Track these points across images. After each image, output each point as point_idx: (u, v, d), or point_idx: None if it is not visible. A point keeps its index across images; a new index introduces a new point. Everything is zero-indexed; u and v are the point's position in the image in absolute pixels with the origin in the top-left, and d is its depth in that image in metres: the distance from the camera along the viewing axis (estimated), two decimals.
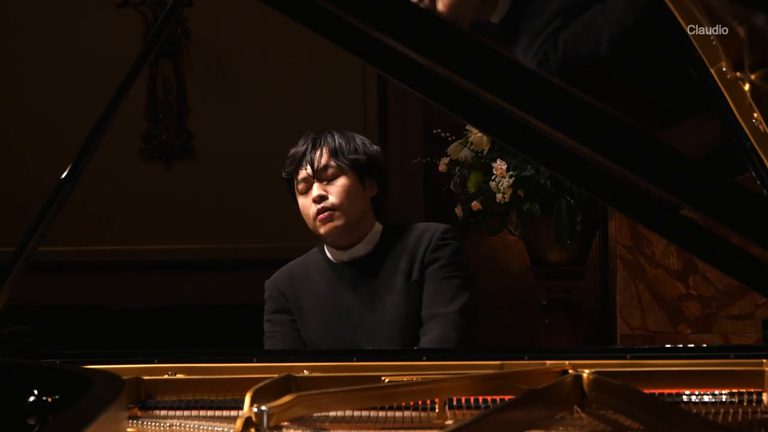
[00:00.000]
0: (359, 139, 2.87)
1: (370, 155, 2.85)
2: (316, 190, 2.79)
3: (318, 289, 2.84)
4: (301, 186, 2.82)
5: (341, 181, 2.79)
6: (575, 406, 1.68)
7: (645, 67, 2.14)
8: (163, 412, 1.79)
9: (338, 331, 2.78)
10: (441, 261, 2.79)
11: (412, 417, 1.73)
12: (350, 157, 2.80)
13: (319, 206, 2.77)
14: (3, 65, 5.52)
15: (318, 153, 2.80)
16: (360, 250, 2.83)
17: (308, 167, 2.80)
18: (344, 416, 1.69)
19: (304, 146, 2.83)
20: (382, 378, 1.83)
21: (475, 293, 2.85)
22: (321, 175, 2.79)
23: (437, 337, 2.68)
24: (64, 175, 2.02)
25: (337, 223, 2.78)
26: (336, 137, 2.83)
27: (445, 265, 2.79)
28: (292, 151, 2.85)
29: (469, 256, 2.95)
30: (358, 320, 2.78)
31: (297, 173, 2.82)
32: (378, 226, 2.87)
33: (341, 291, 2.81)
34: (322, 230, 2.79)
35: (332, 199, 2.77)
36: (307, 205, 2.81)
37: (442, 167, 4.44)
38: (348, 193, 2.78)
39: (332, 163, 2.79)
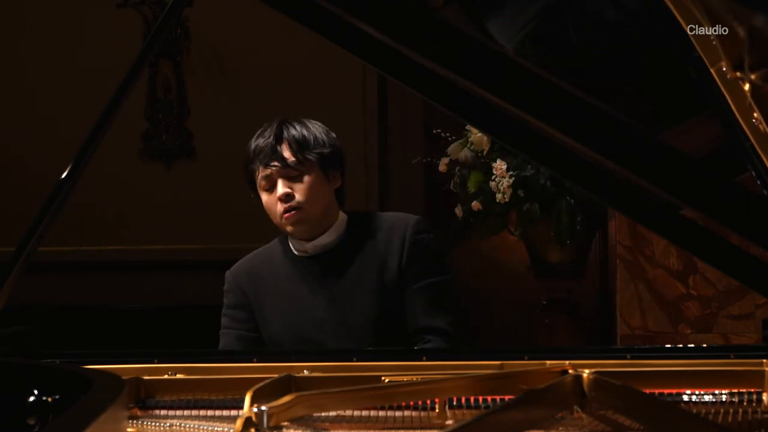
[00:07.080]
0: (320, 127, 2.72)
1: (334, 146, 2.71)
2: (282, 187, 2.65)
3: (280, 285, 2.72)
4: (263, 183, 2.68)
5: (307, 178, 2.65)
6: (575, 406, 1.68)
7: (643, 65, 2.14)
8: (163, 412, 1.79)
9: (302, 330, 2.66)
10: (421, 263, 2.68)
11: (412, 417, 1.73)
12: (315, 151, 2.66)
13: (286, 205, 2.65)
14: (3, 65, 5.52)
15: (282, 148, 2.66)
16: (324, 240, 2.70)
17: (272, 163, 2.65)
18: (344, 416, 1.70)
19: (267, 140, 2.68)
20: (382, 378, 1.84)
21: (474, 293, 2.84)
22: (286, 172, 2.65)
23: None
24: (64, 175, 2.02)
25: (304, 220, 2.66)
26: (299, 129, 2.68)
27: (426, 270, 2.68)
28: (254, 144, 2.70)
29: (466, 255, 2.90)
30: (325, 318, 2.67)
31: (259, 169, 2.68)
32: (343, 216, 2.75)
33: (306, 288, 2.70)
34: (288, 228, 2.68)
35: (298, 197, 2.64)
36: (272, 201, 2.67)
37: (442, 167, 4.44)
38: (314, 190, 2.65)
39: (297, 158, 2.65)
